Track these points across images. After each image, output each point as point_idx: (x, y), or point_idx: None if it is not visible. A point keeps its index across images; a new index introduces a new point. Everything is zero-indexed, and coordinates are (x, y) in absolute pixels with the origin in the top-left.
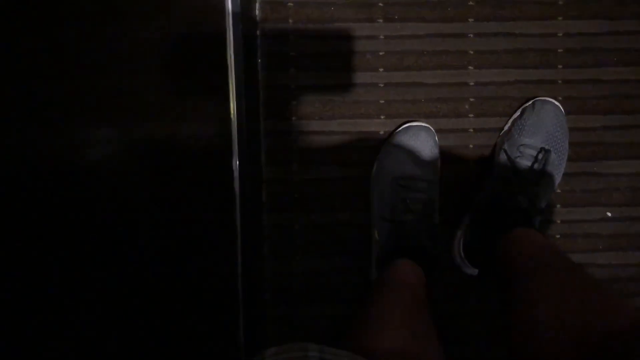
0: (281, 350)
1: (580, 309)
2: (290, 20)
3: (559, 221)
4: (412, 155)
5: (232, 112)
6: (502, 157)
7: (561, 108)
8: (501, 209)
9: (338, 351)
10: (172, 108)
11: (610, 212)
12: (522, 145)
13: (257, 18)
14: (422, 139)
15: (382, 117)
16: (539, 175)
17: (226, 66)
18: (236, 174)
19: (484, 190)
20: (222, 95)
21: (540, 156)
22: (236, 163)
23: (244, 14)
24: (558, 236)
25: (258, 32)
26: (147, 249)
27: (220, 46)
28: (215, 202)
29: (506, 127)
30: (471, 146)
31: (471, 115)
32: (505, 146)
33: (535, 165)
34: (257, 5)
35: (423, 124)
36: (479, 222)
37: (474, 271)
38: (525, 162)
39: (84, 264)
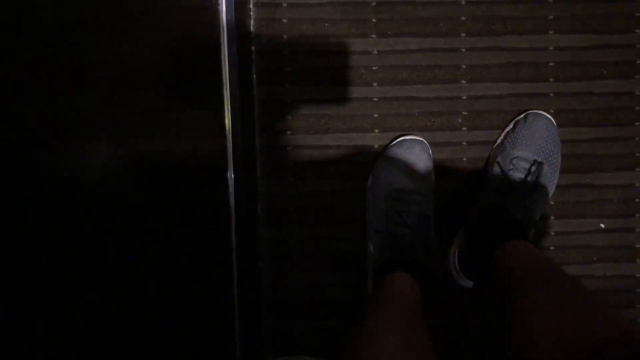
0: None
1: (573, 321)
2: (285, 36)
3: (553, 233)
4: (406, 168)
5: (227, 126)
6: (496, 169)
7: (553, 121)
8: (495, 221)
9: None
10: (168, 123)
11: (603, 224)
12: (515, 158)
13: (252, 34)
14: (416, 152)
15: (377, 130)
16: (532, 188)
17: (221, 81)
18: (232, 188)
19: (478, 203)
20: (217, 110)
21: (533, 169)
22: (231, 177)
23: (239, 30)
24: (552, 248)
25: (253, 48)
26: (142, 263)
27: (215, 62)
28: (210, 215)
29: (499, 140)
30: (465, 159)
31: (464, 128)
32: (499, 159)
33: (529, 178)
34: (252, 21)
35: (417, 138)
36: (473, 235)
37: (469, 283)
38: (518, 175)
39: (77, 280)
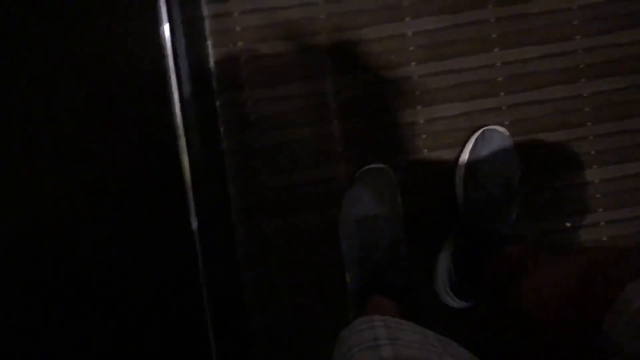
0: (351, 326)
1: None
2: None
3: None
4: (371, 196)
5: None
6: (465, 188)
7: (507, 133)
8: (479, 238)
9: (400, 320)
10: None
11: (569, 222)
12: (480, 173)
13: (214, 88)
14: (381, 179)
15: (343, 164)
16: (506, 199)
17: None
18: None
19: (458, 226)
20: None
21: (500, 181)
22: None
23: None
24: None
25: (218, 103)
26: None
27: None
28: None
29: (462, 158)
30: (429, 179)
31: (425, 150)
32: (465, 177)
33: (497, 190)
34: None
35: (380, 165)
36: (462, 257)
37: (461, 304)
38: (487, 190)
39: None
